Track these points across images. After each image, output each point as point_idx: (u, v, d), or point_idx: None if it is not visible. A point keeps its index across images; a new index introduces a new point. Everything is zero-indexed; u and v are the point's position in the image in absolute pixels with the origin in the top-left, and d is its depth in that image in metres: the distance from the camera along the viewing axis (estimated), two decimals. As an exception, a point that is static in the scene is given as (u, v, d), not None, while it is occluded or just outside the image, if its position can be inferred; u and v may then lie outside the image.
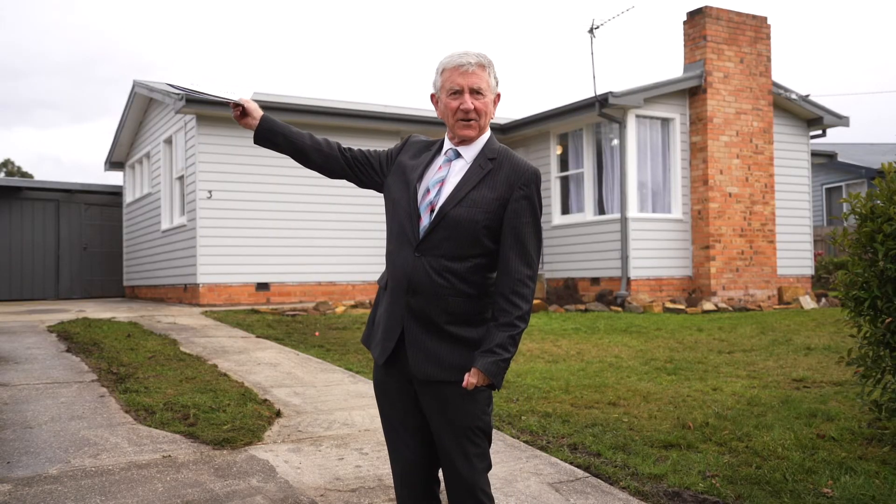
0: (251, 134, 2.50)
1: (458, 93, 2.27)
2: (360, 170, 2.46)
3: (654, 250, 12.02)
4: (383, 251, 2.84)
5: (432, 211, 2.24)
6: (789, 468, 3.67)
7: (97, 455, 3.91)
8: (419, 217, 2.25)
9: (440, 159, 2.34)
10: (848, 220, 5.06)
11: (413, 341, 2.24)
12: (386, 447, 4.10)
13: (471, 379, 2.18)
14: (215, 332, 8.51)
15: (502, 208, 2.23)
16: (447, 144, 2.36)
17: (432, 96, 2.39)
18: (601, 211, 12.65)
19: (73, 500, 3.29)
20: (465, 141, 2.31)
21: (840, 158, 18.85)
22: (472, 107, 2.26)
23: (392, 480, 3.60)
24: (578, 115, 12.38)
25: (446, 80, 2.29)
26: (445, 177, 2.29)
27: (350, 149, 2.50)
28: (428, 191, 2.28)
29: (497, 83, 2.34)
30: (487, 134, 2.34)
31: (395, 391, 2.34)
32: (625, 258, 11.71)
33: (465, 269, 2.22)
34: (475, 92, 2.26)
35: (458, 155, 2.32)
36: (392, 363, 2.31)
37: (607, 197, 12.53)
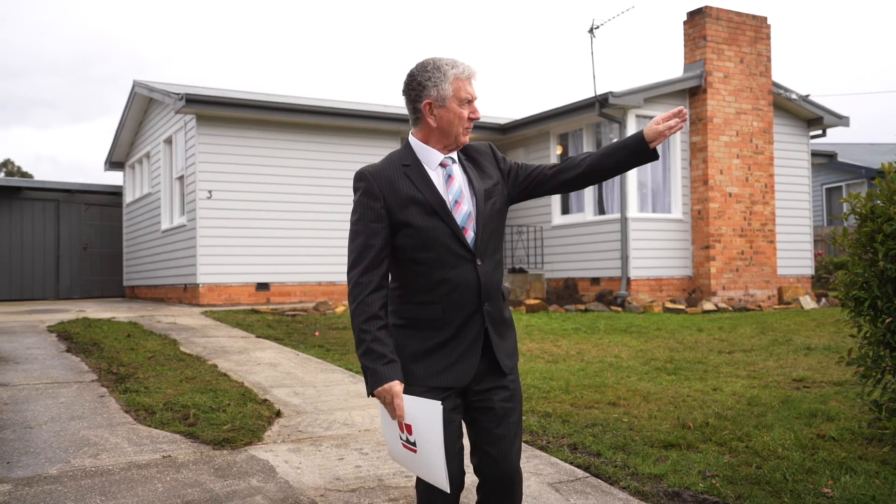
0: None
1: (469, 102, 2.32)
2: (389, 254, 2.29)
3: (654, 250, 12.02)
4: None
5: (474, 219, 2.29)
6: (789, 468, 3.67)
7: (97, 455, 3.91)
8: (463, 230, 2.26)
9: (438, 172, 2.32)
10: (848, 220, 5.05)
11: (497, 343, 2.31)
12: (386, 448, 4.10)
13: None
14: (215, 332, 8.51)
15: (503, 186, 2.40)
16: (433, 154, 2.31)
17: (429, 105, 2.28)
18: (601, 211, 12.65)
19: (73, 500, 3.29)
20: (450, 147, 2.35)
21: (840, 158, 18.85)
22: (479, 116, 2.37)
23: (390, 481, 3.61)
24: (578, 115, 12.38)
25: (459, 88, 2.29)
26: (462, 184, 2.33)
27: (377, 262, 2.23)
28: (457, 202, 2.28)
29: None
30: None
31: (454, 408, 2.29)
32: (625, 258, 11.71)
33: (502, 257, 2.40)
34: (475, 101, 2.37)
35: (453, 161, 2.36)
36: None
37: (607, 197, 12.53)
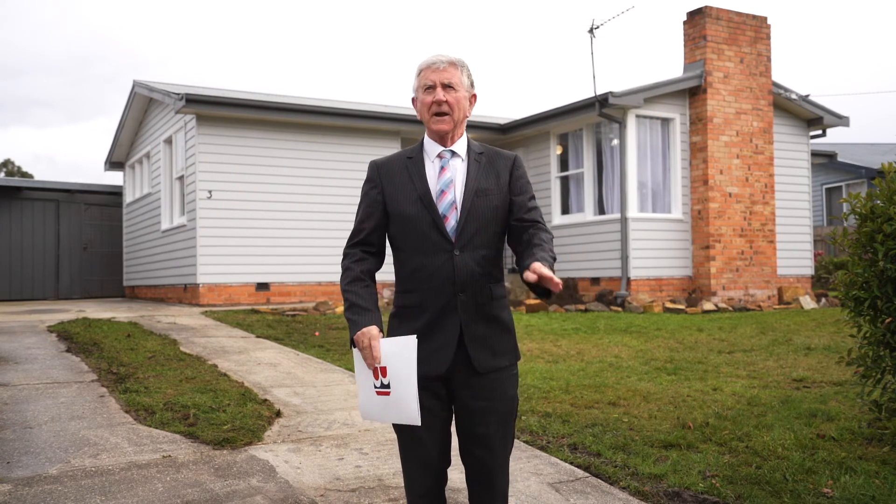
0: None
1: (430, 87, 2.38)
2: (383, 236, 2.45)
3: (654, 250, 12.02)
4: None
5: (457, 209, 2.33)
6: (789, 468, 3.67)
7: (97, 455, 3.91)
8: (444, 218, 2.31)
9: (434, 163, 2.40)
10: (848, 220, 5.05)
11: (472, 337, 2.31)
12: (386, 448, 4.11)
13: (542, 270, 2.06)
14: (215, 332, 8.51)
15: (506, 191, 2.40)
16: (435, 147, 2.41)
17: (413, 100, 2.49)
18: (601, 211, 12.65)
19: (73, 500, 3.29)
20: (444, 137, 2.39)
21: (840, 158, 18.85)
22: (444, 99, 2.35)
23: (390, 480, 3.61)
24: (578, 115, 12.38)
25: (422, 78, 2.41)
26: (453, 176, 2.38)
27: (367, 240, 2.42)
28: (443, 192, 2.34)
29: (472, 84, 2.45)
30: (465, 135, 2.47)
31: (435, 396, 2.34)
32: (625, 258, 11.72)
33: (493, 255, 2.38)
34: (447, 86, 2.37)
35: (453, 154, 2.41)
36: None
37: (607, 197, 12.53)
